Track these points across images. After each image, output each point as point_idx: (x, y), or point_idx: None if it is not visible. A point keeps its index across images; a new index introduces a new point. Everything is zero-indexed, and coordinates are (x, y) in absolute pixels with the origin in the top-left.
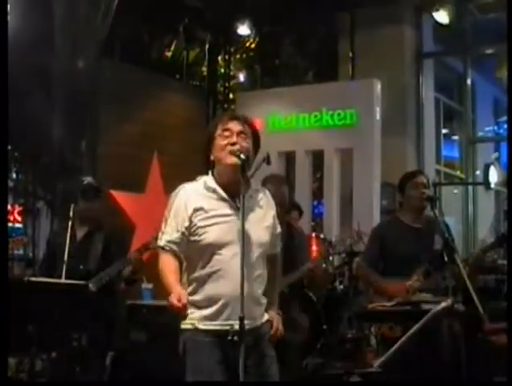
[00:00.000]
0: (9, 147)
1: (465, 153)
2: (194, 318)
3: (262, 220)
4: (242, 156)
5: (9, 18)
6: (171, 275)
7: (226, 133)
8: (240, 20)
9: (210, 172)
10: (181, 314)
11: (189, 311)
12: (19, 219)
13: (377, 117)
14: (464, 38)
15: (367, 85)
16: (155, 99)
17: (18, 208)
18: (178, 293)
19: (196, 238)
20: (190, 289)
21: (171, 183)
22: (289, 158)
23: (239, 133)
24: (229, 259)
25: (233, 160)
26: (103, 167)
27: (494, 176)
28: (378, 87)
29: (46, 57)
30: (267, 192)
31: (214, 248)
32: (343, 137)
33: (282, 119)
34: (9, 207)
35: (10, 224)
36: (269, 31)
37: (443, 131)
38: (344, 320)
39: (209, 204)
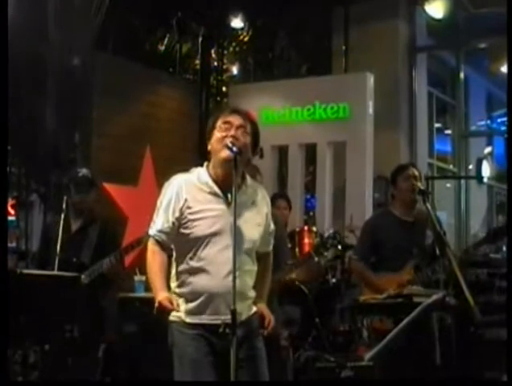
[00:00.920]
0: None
1: (458, 147)
2: (181, 311)
3: (255, 217)
4: (235, 149)
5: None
6: (158, 275)
7: (226, 126)
8: (233, 13)
9: (205, 164)
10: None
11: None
12: (12, 212)
13: (370, 110)
14: (457, 32)
15: (360, 79)
16: (148, 92)
17: (10, 201)
18: (168, 298)
19: (186, 231)
20: (178, 281)
21: (163, 176)
22: (282, 152)
23: (238, 127)
24: (216, 253)
25: (227, 153)
26: (96, 160)
27: (487, 170)
28: (371, 80)
29: (39, 49)
30: (263, 189)
31: (202, 242)
32: (336, 131)
33: (276, 112)
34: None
35: None
36: (262, 25)
37: (436, 125)
38: (337, 313)
39: (201, 197)
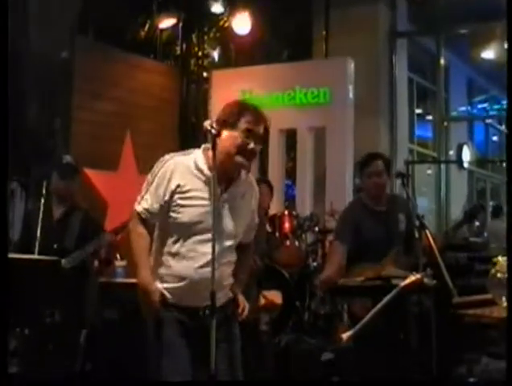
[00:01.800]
0: None
1: (438, 132)
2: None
3: (241, 212)
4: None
5: None
6: (145, 262)
7: (247, 133)
8: None
9: (203, 147)
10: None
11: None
12: None
13: (350, 95)
14: (437, 18)
15: (340, 64)
16: (129, 78)
17: None
18: (155, 292)
19: (173, 215)
20: (158, 261)
21: (144, 162)
22: None
23: (260, 140)
24: (199, 242)
25: (242, 162)
26: (76, 146)
27: (467, 155)
28: (352, 66)
29: (18, 35)
30: (254, 183)
31: (187, 229)
32: (316, 116)
33: (256, 97)
34: None
35: None
36: (243, 9)
37: (417, 111)
38: (317, 297)
39: (193, 184)
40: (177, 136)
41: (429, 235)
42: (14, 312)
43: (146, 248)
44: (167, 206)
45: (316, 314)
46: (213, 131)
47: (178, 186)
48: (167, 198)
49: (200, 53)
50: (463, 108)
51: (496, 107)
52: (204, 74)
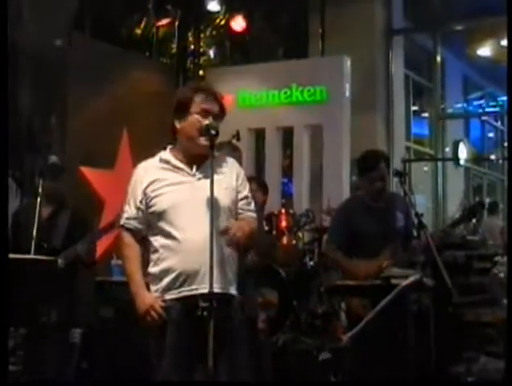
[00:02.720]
0: None
1: (435, 130)
2: (156, 291)
3: (221, 181)
4: (212, 132)
5: None
6: (136, 273)
7: (204, 113)
8: None
9: (168, 148)
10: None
11: (152, 287)
12: None
13: (347, 93)
14: (433, 15)
15: (337, 62)
16: (125, 75)
17: None
18: (148, 303)
19: (152, 209)
20: (152, 261)
21: (140, 160)
22: (259, 135)
23: (215, 115)
24: (186, 226)
25: (205, 143)
26: (72, 143)
27: (463, 153)
28: (348, 64)
29: (13, 31)
30: (230, 158)
31: (168, 217)
32: (313, 114)
33: (253, 95)
34: None
35: None
36: (239, 8)
37: (413, 108)
38: (315, 296)
39: (163, 175)
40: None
41: (427, 234)
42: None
43: (133, 257)
44: (144, 206)
45: (314, 313)
46: (212, 132)
47: (148, 183)
48: (140, 198)
49: (196, 51)
50: (459, 105)
51: (492, 104)
52: (200, 72)
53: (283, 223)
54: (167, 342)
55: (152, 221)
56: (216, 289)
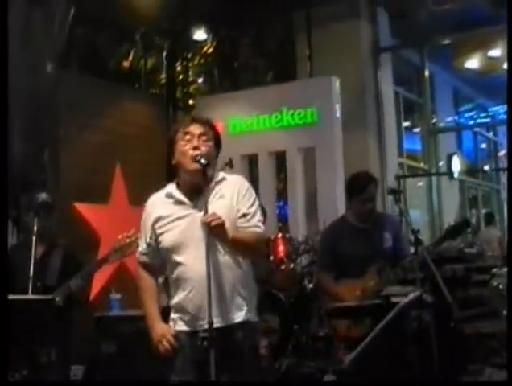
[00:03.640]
0: None
1: (427, 144)
2: (173, 320)
3: (221, 208)
4: (203, 161)
5: None
6: (149, 304)
7: (187, 137)
8: (196, 25)
9: (176, 180)
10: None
11: (171, 316)
12: None
13: (338, 114)
14: (419, 30)
15: (326, 83)
16: (115, 109)
17: None
18: (162, 335)
19: (160, 245)
20: (170, 292)
21: (134, 193)
22: (252, 160)
23: (200, 136)
24: (190, 261)
25: (195, 166)
26: (66, 179)
27: (457, 165)
28: (337, 84)
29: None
30: (232, 177)
31: (173, 253)
32: (304, 137)
33: (243, 121)
34: None
35: None
36: (225, 35)
37: (404, 124)
38: (315, 318)
39: (167, 210)
40: (165, 164)
41: (424, 251)
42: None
43: (146, 290)
44: (154, 242)
45: (315, 336)
46: (203, 161)
47: (155, 220)
48: (149, 233)
49: (185, 80)
50: (450, 118)
51: (483, 115)
52: (190, 101)
53: (281, 249)
54: (174, 369)
55: (164, 256)
56: (217, 324)
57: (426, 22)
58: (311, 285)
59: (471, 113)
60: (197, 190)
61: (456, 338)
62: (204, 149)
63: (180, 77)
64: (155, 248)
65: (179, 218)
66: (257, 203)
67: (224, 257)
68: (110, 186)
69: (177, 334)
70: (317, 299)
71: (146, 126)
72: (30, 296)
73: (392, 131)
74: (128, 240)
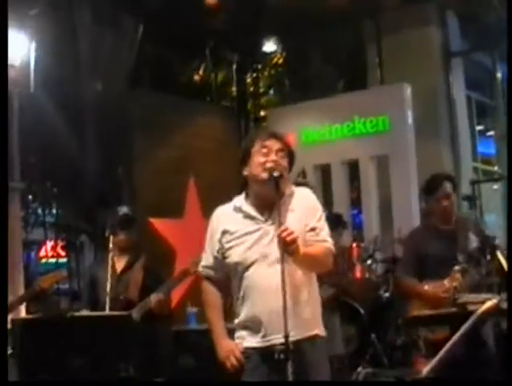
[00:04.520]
0: (48, 184)
1: (501, 147)
2: (241, 339)
3: (292, 223)
4: (275, 173)
5: (35, 56)
6: (215, 320)
7: (264, 150)
8: (265, 37)
9: (244, 193)
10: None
11: (237, 334)
12: (63, 253)
13: (410, 120)
14: (490, 32)
15: (397, 90)
16: (187, 123)
17: (60, 243)
18: (230, 351)
19: (227, 260)
20: (236, 308)
21: (209, 206)
22: (325, 170)
23: (277, 152)
24: (259, 277)
25: (267, 175)
26: (141, 195)
27: None
28: (408, 91)
29: (76, 93)
30: (300, 190)
31: (241, 268)
32: (377, 145)
33: (315, 132)
34: (51, 242)
35: (53, 260)
36: (295, 45)
37: (478, 128)
38: (392, 327)
39: (235, 224)
40: (239, 177)
41: (500, 255)
42: (90, 370)
43: (212, 305)
44: (220, 255)
45: (392, 345)
46: (275, 174)
47: (223, 232)
48: (217, 247)
49: (256, 92)
50: None
51: None
52: (262, 113)
53: (355, 257)
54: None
55: (229, 271)
56: (292, 338)
57: (496, 24)
58: (387, 294)
59: None
60: (268, 204)
61: None
62: (281, 164)
63: (251, 89)
64: (221, 262)
65: (248, 233)
66: (323, 216)
67: (295, 272)
68: (184, 200)
69: (246, 351)
70: (393, 308)
71: (219, 139)
72: (107, 313)
73: (465, 135)
74: None
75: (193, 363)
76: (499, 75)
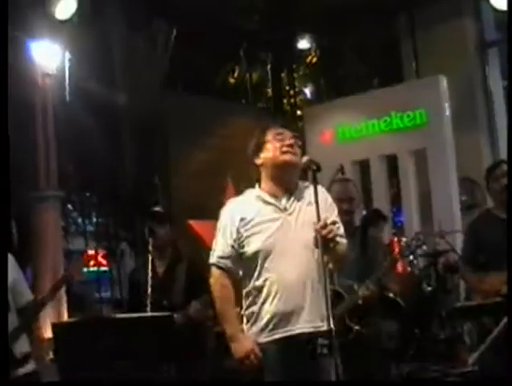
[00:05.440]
0: (86, 193)
1: None
2: (254, 333)
3: (311, 218)
4: (313, 166)
5: (70, 69)
6: (232, 316)
7: (279, 137)
8: (299, 35)
9: (256, 185)
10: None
11: (246, 326)
12: (104, 262)
13: (447, 113)
14: None
15: (433, 83)
16: (223, 125)
17: (101, 252)
18: (248, 347)
19: (245, 249)
20: (247, 301)
21: None
22: (363, 166)
23: (291, 138)
24: (280, 266)
25: (287, 158)
26: (178, 198)
27: None
28: (445, 83)
29: (110, 100)
30: (318, 187)
31: (262, 257)
32: (415, 139)
33: (352, 128)
34: (92, 251)
35: (95, 268)
36: (329, 42)
37: None
38: (436, 321)
39: (254, 212)
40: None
41: None
42: (132, 368)
43: (228, 299)
44: (237, 245)
45: (436, 338)
46: (313, 166)
47: (240, 220)
48: (234, 236)
49: (291, 92)
50: None
51: None
52: (298, 112)
53: (396, 252)
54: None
55: (244, 261)
56: (309, 329)
57: None
58: (429, 288)
59: None
60: (284, 190)
61: None
62: (295, 149)
63: (286, 88)
64: (238, 251)
65: (267, 221)
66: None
67: (316, 265)
68: (223, 202)
69: (263, 349)
70: (436, 301)
71: None
72: (146, 313)
73: (504, 127)
74: None
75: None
76: (507, 83)
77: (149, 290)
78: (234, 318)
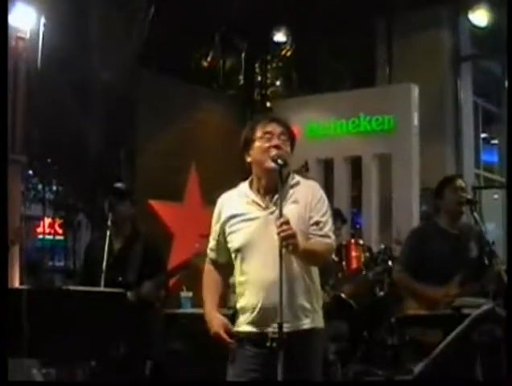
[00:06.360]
0: (48, 160)
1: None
2: (238, 325)
3: (294, 213)
4: (280, 161)
5: (45, 35)
6: (209, 293)
7: (267, 136)
8: (276, 28)
9: (249, 178)
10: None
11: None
12: (60, 231)
13: (415, 122)
14: (501, 39)
15: (404, 90)
16: (193, 108)
17: (58, 221)
18: (222, 325)
19: (229, 245)
20: (236, 294)
21: (209, 193)
22: (328, 165)
23: (280, 136)
24: (260, 264)
25: (272, 165)
26: (142, 177)
27: None
28: (416, 91)
29: (83, 71)
30: (307, 182)
31: (243, 254)
32: (381, 143)
33: (320, 126)
34: (50, 219)
35: (50, 237)
36: (305, 38)
37: (483, 135)
38: (384, 326)
39: (239, 209)
40: (241, 165)
41: (498, 263)
42: (81, 344)
43: (210, 283)
44: (223, 240)
45: (384, 344)
46: (280, 162)
47: (226, 217)
48: (219, 231)
49: (263, 82)
50: None
51: None
52: (268, 104)
53: (353, 254)
54: (236, 373)
55: (232, 256)
56: (286, 329)
57: (506, 31)
58: (381, 293)
59: None
60: (271, 191)
61: None
62: (283, 148)
63: (258, 79)
64: (224, 246)
65: (250, 219)
66: (329, 211)
67: (293, 264)
68: (185, 185)
69: (240, 336)
70: (387, 307)
71: (223, 127)
72: (98, 288)
73: (470, 141)
74: None
75: (185, 348)
76: (507, 83)
77: (104, 265)
78: (209, 301)
